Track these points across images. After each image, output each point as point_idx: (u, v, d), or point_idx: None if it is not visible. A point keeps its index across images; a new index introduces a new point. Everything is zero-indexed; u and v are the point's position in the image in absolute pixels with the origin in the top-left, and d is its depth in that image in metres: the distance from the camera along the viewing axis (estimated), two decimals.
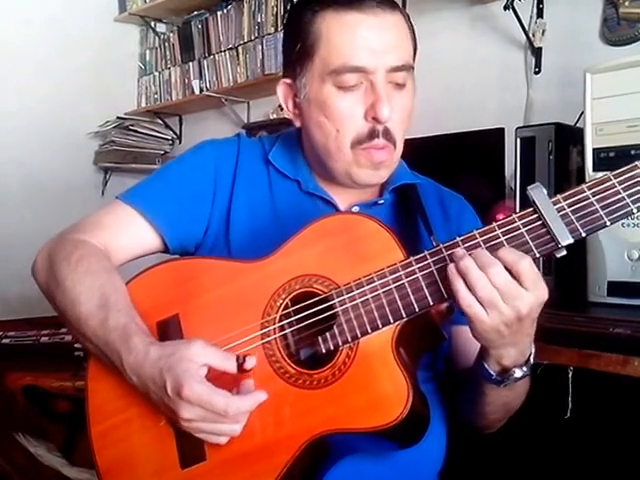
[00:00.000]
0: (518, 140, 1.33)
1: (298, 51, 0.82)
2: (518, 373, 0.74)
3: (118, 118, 2.82)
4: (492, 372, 0.74)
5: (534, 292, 0.67)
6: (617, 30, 1.56)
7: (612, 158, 1.06)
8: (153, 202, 0.87)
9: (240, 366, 0.70)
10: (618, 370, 0.94)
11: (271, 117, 2.47)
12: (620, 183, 0.67)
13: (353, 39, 0.78)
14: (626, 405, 1.01)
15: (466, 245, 0.70)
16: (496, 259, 0.66)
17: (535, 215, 0.69)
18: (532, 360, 0.75)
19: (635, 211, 0.67)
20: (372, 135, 0.80)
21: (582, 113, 1.14)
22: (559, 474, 1.10)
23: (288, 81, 0.86)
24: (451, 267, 0.68)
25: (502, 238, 0.70)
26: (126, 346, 0.72)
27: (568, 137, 1.30)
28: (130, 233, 0.87)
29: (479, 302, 0.66)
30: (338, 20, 0.79)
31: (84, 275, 0.78)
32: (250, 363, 0.70)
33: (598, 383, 1.00)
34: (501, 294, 0.66)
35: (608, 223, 0.67)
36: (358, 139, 0.81)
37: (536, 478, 1.12)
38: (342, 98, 0.80)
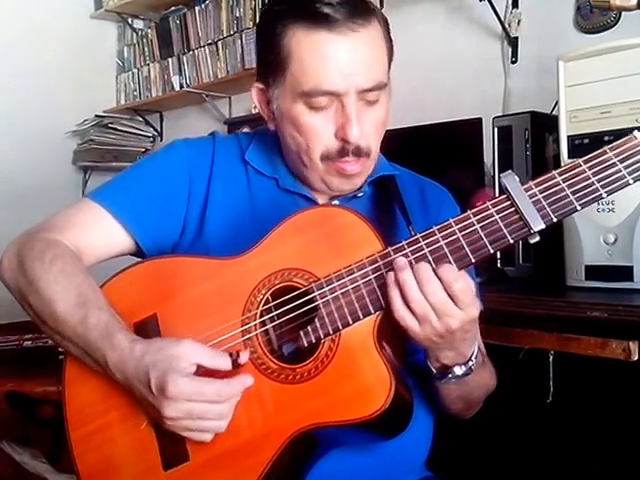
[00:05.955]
0: (495, 129, 1.35)
1: (270, 62, 0.82)
2: (459, 371, 0.75)
3: (97, 116, 2.79)
4: (433, 369, 0.76)
5: (466, 311, 0.69)
6: (590, 18, 1.58)
7: (586, 145, 1.07)
8: (124, 202, 0.85)
9: (234, 362, 0.69)
10: (597, 353, 0.96)
11: (253, 112, 2.46)
12: (590, 168, 0.68)
13: (324, 61, 0.77)
14: (606, 387, 1.03)
15: (442, 234, 0.71)
16: (435, 276, 0.68)
17: (508, 202, 0.70)
18: (475, 359, 0.75)
19: (605, 195, 0.68)
20: (342, 153, 0.81)
21: (557, 101, 1.16)
22: (543, 458, 1.12)
23: (261, 86, 0.86)
24: (390, 275, 0.70)
25: (477, 225, 0.71)
26: (109, 343, 0.71)
27: (544, 125, 1.31)
28: (100, 234, 0.85)
29: (412, 315, 0.69)
30: (308, 38, 0.77)
31: (59, 275, 0.77)
32: (244, 358, 0.70)
33: (578, 366, 1.02)
34: (435, 311, 0.68)
35: (579, 207, 0.69)
36: (328, 155, 0.81)
37: (521, 462, 1.14)
38: (313, 117, 0.80)
